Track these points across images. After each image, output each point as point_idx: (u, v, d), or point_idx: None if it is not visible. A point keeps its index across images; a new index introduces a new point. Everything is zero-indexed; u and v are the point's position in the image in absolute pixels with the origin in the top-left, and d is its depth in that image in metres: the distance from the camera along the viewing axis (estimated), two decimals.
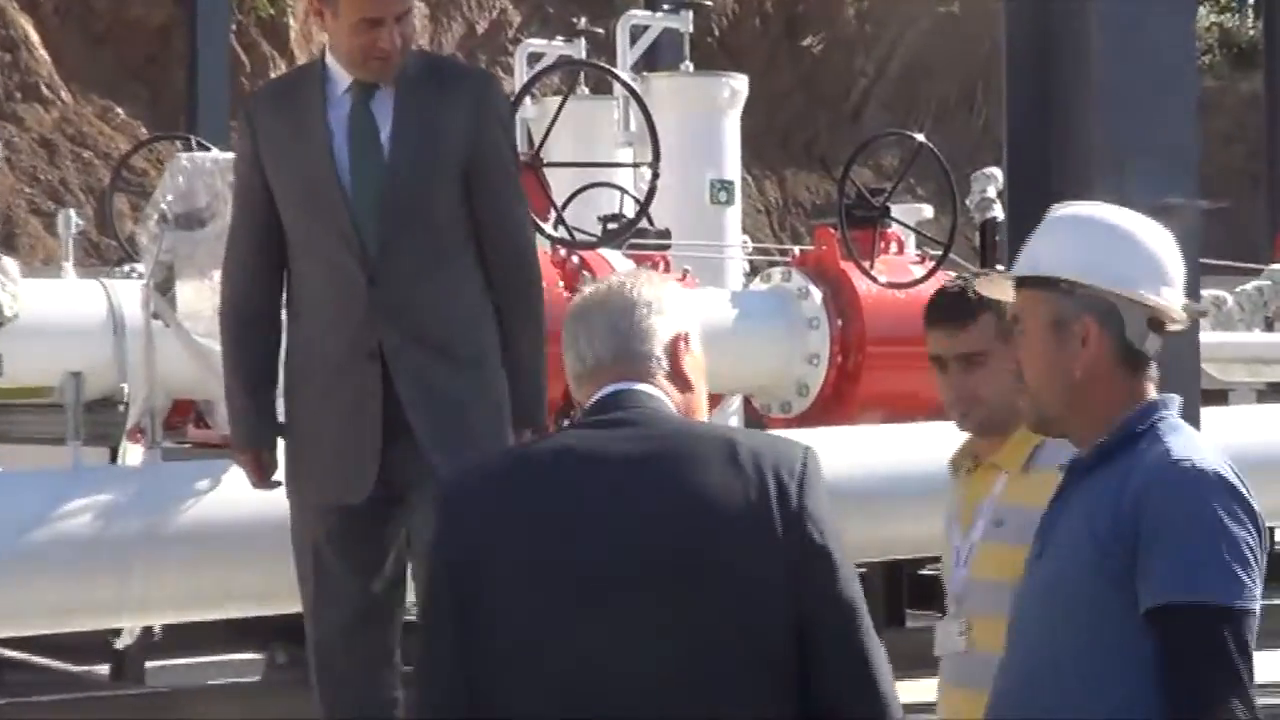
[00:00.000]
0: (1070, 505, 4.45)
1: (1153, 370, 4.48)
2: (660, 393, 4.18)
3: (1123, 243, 4.59)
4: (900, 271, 11.91)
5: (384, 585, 6.25)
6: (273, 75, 26.73)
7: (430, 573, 4.27)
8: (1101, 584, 4.24)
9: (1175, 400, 4.49)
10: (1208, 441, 4.46)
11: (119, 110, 26.04)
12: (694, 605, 3.90)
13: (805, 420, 10.85)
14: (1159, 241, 4.56)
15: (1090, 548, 4.27)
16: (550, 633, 3.93)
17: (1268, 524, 4.41)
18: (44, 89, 26.02)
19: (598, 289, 4.39)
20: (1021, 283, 4.55)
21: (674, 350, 4.20)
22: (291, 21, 27.80)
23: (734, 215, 11.67)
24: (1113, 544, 4.20)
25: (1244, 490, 4.25)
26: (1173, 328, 4.51)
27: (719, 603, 3.92)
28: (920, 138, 13.14)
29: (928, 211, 13.92)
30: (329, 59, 6.55)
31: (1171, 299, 4.47)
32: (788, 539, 3.97)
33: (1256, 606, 4.15)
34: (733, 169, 11.84)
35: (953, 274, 11.86)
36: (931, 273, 11.70)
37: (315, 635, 6.74)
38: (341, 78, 6.50)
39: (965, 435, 5.67)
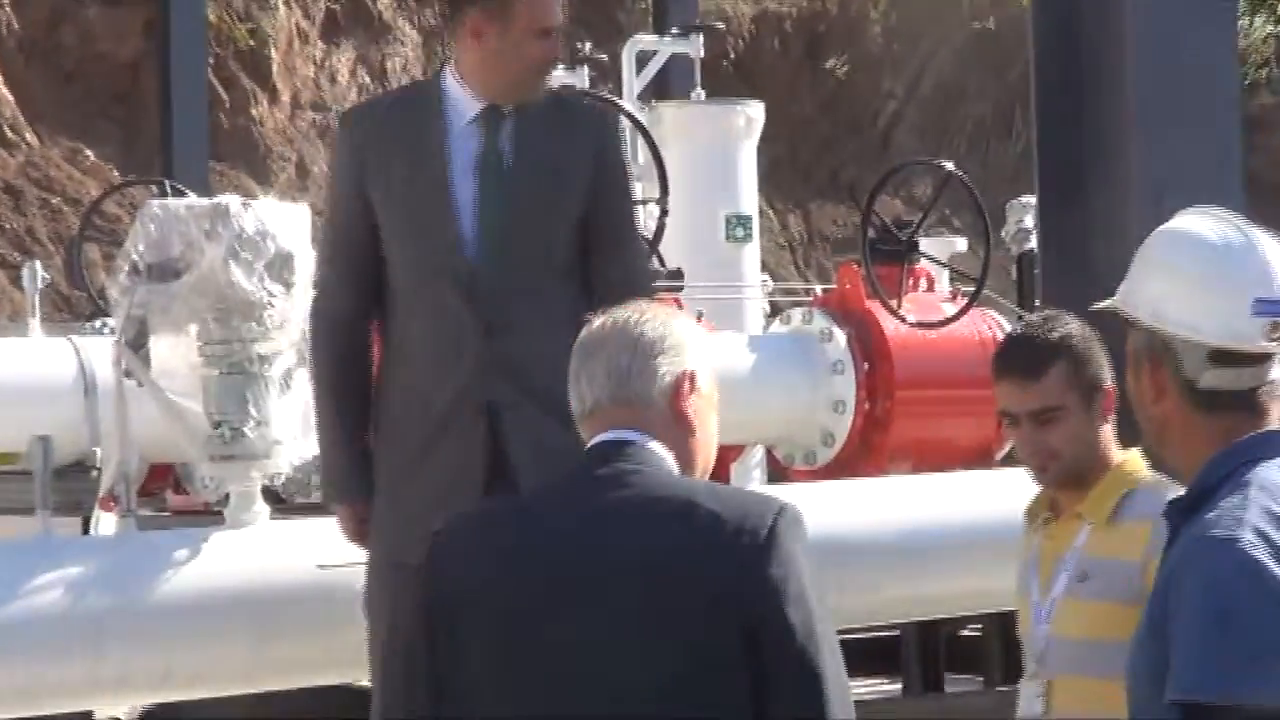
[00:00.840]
0: (1162, 570, 4.25)
1: (1246, 406, 4.13)
2: (655, 441, 4.17)
3: (1155, 269, 4.41)
4: (931, 310, 11.81)
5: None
6: (253, 112, 26.78)
7: (414, 606, 4.34)
8: (1147, 676, 4.06)
9: (1270, 440, 4.14)
10: (1268, 501, 4.01)
11: (89, 152, 25.73)
12: (648, 667, 3.97)
13: (831, 472, 10.76)
14: (1250, 255, 4.25)
15: (1146, 630, 4.09)
16: (512, 680, 4.04)
17: None
18: (7, 131, 25.98)
19: (603, 325, 4.32)
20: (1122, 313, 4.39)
21: (676, 391, 4.18)
22: (273, 53, 27.66)
23: (752, 252, 11.61)
24: (1162, 625, 4.00)
25: (1270, 567, 3.88)
26: (1246, 351, 4.15)
27: (671, 669, 3.96)
28: (950, 166, 12.99)
29: (961, 245, 13.67)
30: (450, 81, 6.40)
31: (1255, 331, 4.15)
32: (742, 610, 3.98)
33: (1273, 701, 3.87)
34: (750, 203, 11.78)
35: (991, 312, 12.13)
36: (964, 310, 11.64)
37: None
38: (465, 104, 6.36)
39: (1038, 487, 5.60)
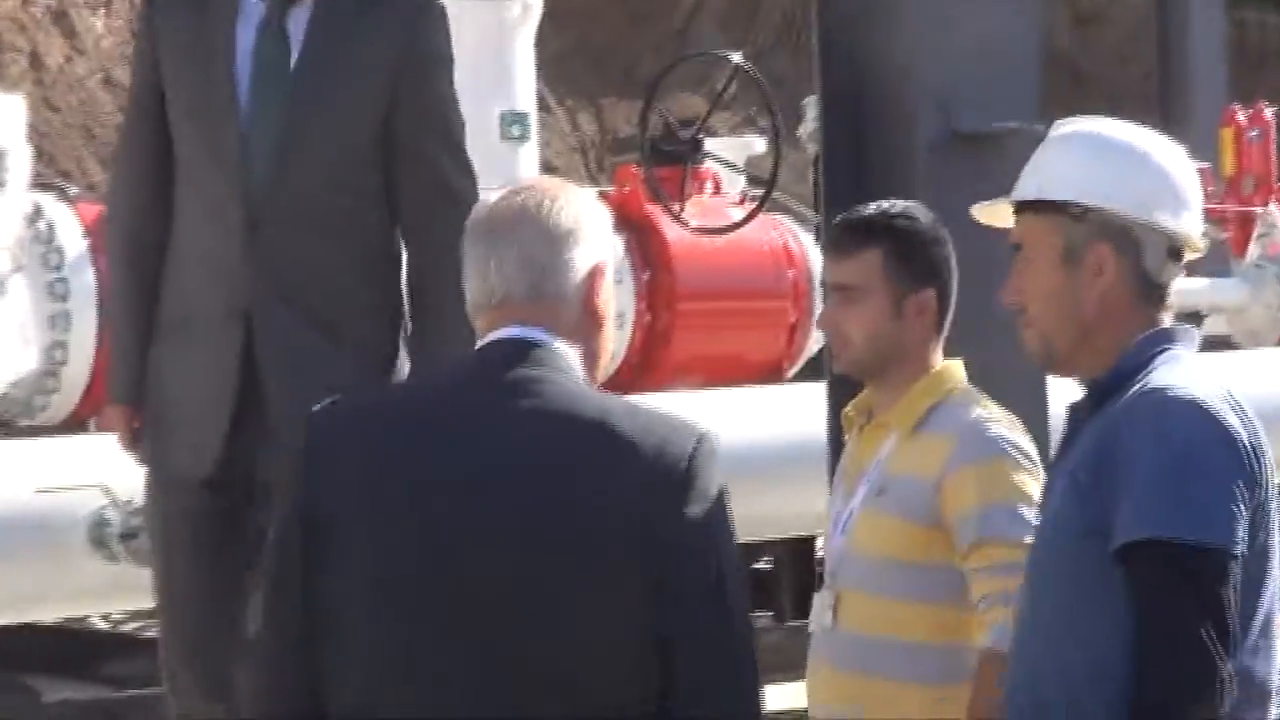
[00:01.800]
0: (1067, 455, 4.53)
1: (1169, 303, 4.50)
2: (561, 342, 4.01)
3: (1139, 163, 4.61)
4: (717, 215, 11.58)
5: (230, 604, 5.85)
6: None
7: (289, 501, 4.14)
8: (1082, 537, 4.28)
9: (1188, 332, 4.53)
10: (1207, 375, 4.45)
11: None
12: (537, 593, 3.92)
13: (610, 389, 10.09)
14: (1177, 162, 4.59)
15: (1073, 499, 4.31)
16: (398, 585, 3.96)
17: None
18: None
19: (509, 204, 4.14)
20: (1023, 207, 4.55)
21: (590, 286, 4.05)
22: None
23: (530, 152, 11.20)
24: (1091, 492, 4.23)
25: (1229, 420, 4.24)
26: (1190, 256, 4.58)
27: (587, 589, 3.88)
28: (737, 58, 12.51)
29: (759, 145, 13.45)
30: None
31: (1191, 226, 4.52)
32: (666, 530, 3.88)
33: (1236, 546, 4.13)
34: (527, 99, 11.44)
35: (782, 218, 12.24)
36: (752, 215, 11.35)
37: (170, 637, 6.52)
38: None
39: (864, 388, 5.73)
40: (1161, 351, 4.44)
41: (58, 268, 9.56)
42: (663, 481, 3.94)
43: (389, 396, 5.13)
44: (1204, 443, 4.26)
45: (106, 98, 24.21)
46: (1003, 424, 5.56)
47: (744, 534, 9.60)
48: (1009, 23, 7.42)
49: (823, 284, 6.21)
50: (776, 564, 11.95)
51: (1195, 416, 4.26)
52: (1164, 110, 21.73)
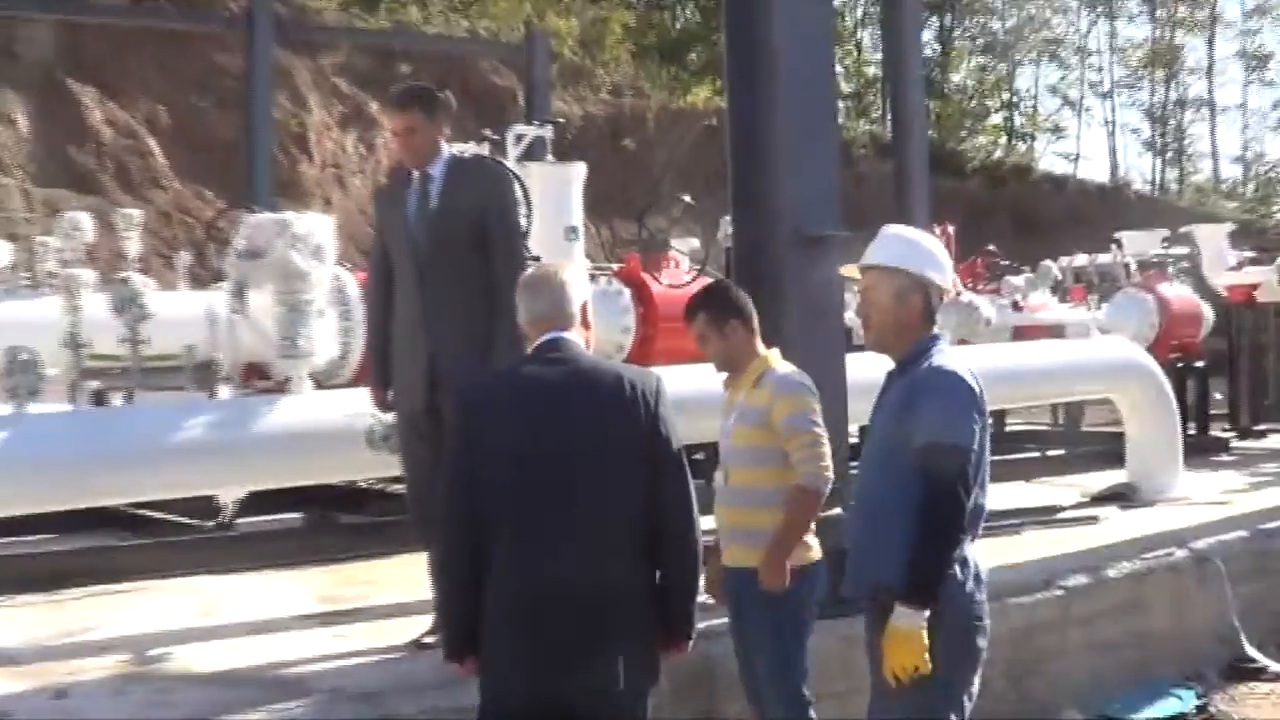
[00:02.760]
0: (889, 393, 5.43)
1: (936, 318, 5.49)
2: (578, 336, 5.04)
3: (930, 249, 5.52)
4: (678, 278, 12.75)
5: (435, 471, 6.01)
6: (300, 169, 28.94)
7: (456, 427, 5.06)
8: (898, 440, 5.25)
9: (946, 335, 5.50)
10: (957, 357, 5.40)
11: (207, 192, 27.75)
12: (602, 461, 4.85)
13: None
14: (941, 250, 5.55)
15: (895, 418, 5.28)
16: (517, 462, 4.84)
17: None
18: (162, 180, 27.82)
19: (542, 271, 5.24)
20: (870, 268, 5.47)
21: (583, 309, 5.08)
22: (310, 135, 29.58)
23: (579, 247, 12.03)
24: (904, 417, 5.23)
25: (972, 381, 5.25)
26: (947, 298, 5.58)
27: (611, 461, 4.87)
28: (687, 199, 13.91)
29: (695, 242, 14.43)
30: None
31: (947, 283, 5.52)
32: (647, 428, 4.91)
33: (973, 447, 5.14)
34: (578, 219, 12.13)
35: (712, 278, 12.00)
36: (696, 278, 12.49)
37: (410, 490, 7.47)
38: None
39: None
40: (935, 344, 5.39)
41: (345, 304, 10.59)
42: (646, 402, 4.87)
43: (502, 371, 5.73)
44: (958, 391, 5.24)
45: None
46: (796, 374, 6.67)
47: (689, 439, 10.73)
48: (827, 177, 8.42)
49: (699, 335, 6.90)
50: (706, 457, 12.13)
51: (956, 378, 5.26)
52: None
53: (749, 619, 6.48)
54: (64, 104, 28.75)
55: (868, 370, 6.77)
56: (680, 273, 13.13)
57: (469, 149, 12.54)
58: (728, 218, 12.47)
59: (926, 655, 5.07)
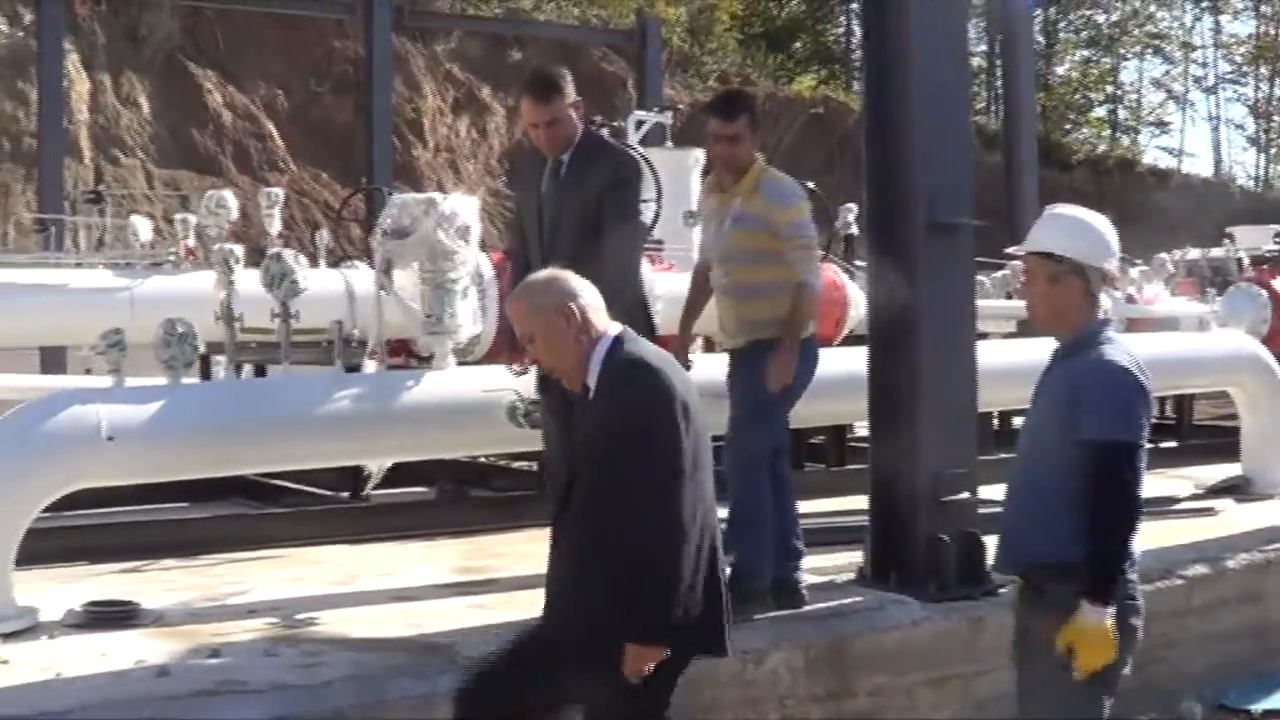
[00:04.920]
0: (1053, 374, 5.44)
1: (1101, 303, 5.46)
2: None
3: (1092, 231, 5.44)
4: None
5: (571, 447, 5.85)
6: (414, 154, 29.47)
7: (667, 398, 5.02)
8: (1064, 423, 5.23)
9: (1113, 322, 5.59)
10: (1125, 348, 5.33)
11: (325, 175, 28.37)
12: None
13: None
14: (1108, 232, 5.45)
15: (1061, 405, 5.26)
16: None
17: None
18: (280, 163, 28.13)
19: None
20: (1031, 252, 5.46)
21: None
22: (425, 121, 30.00)
23: (697, 231, 11.34)
24: (1071, 402, 5.22)
25: (1142, 377, 5.22)
26: (1111, 281, 5.49)
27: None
28: (810, 185, 12.61)
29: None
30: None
31: (1113, 267, 5.46)
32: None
33: (1144, 442, 5.16)
34: (694, 203, 12.03)
35: (832, 264, 13.00)
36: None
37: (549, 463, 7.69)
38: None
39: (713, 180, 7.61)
40: (1101, 332, 5.34)
41: (482, 284, 10.40)
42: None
43: (650, 345, 5.60)
44: (1129, 387, 5.21)
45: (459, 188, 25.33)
46: (787, 182, 7.52)
47: (806, 422, 11.03)
48: (961, 165, 8.42)
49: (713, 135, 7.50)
50: (825, 439, 12.90)
51: (1127, 372, 5.21)
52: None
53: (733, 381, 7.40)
54: (185, 87, 29.25)
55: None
56: None
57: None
58: (848, 205, 13.69)
59: (1106, 643, 5.10)
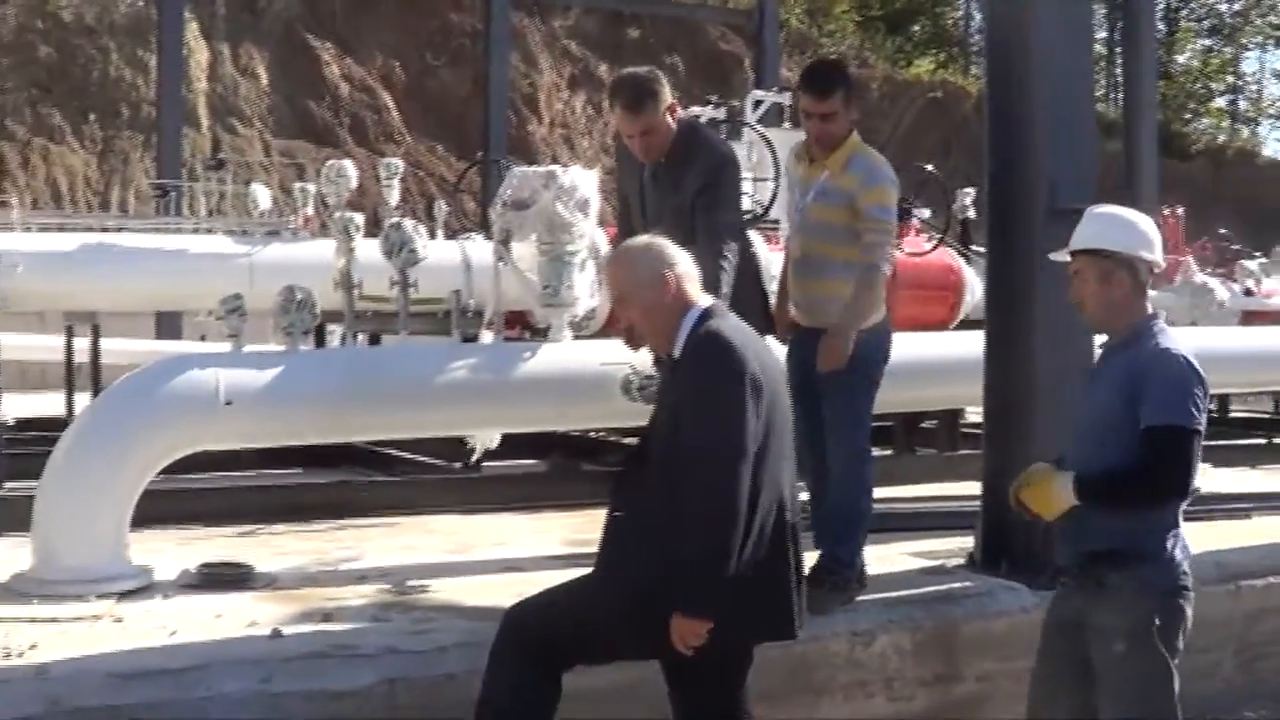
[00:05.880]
0: (1109, 366, 5.50)
1: (1148, 294, 5.53)
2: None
3: (1135, 226, 5.54)
4: (919, 247, 13.02)
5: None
6: (529, 129, 29.58)
7: (737, 375, 5.12)
8: (1123, 412, 5.29)
9: (1163, 314, 5.60)
10: (1182, 339, 5.46)
11: (439, 147, 28.47)
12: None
13: None
14: (1150, 225, 5.56)
15: (1118, 395, 5.31)
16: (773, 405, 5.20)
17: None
18: (396, 135, 28.35)
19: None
20: (1078, 251, 5.54)
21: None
22: (540, 96, 29.98)
23: None
24: (1130, 392, 5.28)
25: (1198, 367, 5.30)
26: (1157, 272, 5.57)
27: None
28: (930, 168, 14.07)
29: (926, 213, 14.29)
30: None
31: (1158, 257, 5.52)
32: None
33: (1202, 428, 5.22)
34: None
35: (948, 248, 13.05)
36: (935, 247, 13.02)
37: None
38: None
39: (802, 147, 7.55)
40: (1155, 324, 5.44)
41: (598, 257, 9.51)
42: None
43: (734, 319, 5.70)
44: (1188, 374, 5.27)
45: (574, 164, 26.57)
46: (880, 162, 7.34)
47: (919, 406, 11.63)
48: (1085, 151, 8.33)
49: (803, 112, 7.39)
50: (937, 424, 13.02)
51: (1185, 360, 5.28)
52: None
53: (823, 375, 7.11)
54: (303, 59, 29.50)
55: None
56: (920, 241, 13.27)
57: (705, 113, 12.76)
58: (967, 190, 13.64)
59: (1053, 509, 5.38)
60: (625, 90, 7.25)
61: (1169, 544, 5.34)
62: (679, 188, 7.17)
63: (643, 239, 5.56)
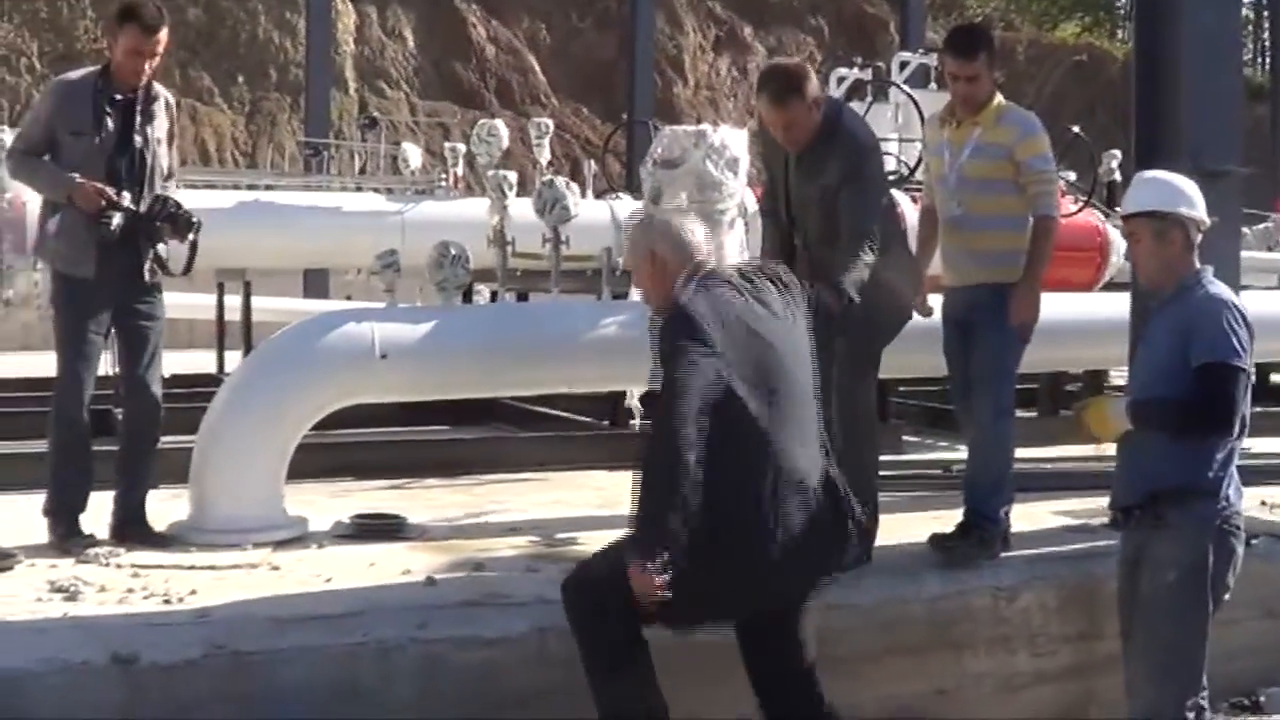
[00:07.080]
0: (1163, 315, 5.80)
1: (1196, 248, 5.83)
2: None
3: (1181, 187, 5.88)
4: (1063, 208, 10.76)
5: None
6: (674, 91, 29.72)
7: (685, 339, 5.15)
8: (1177, 355, 5.62)
9: (1210, 268, 5.83)
10: (1227, 289, 5.78)
11: (584, 109, 28.70)
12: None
13: None
14: (1193, 186, 5.89)
15: (1173, 339, 5.65)
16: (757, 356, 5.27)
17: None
18: (542, 98, 28.57)
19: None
20: (1131, 214, 5.90)
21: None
22: (685, 58, 29.99)
23: None
24: (1183, 335, 5.61)
25: (1244, 311, 5.64)
26: (1204, 228, 5.85)
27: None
28: (1076, 130, 13.77)
29: (1073, 175, 14.12)
30: None
31: (1202, 214, 5.85)
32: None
33: (1250, 370, 5.56)
34: None
35: (1095, 210, 12.89)
36: (1081, 209, 12.80)
37: None
38: None
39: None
40: (1203, 275, 5.76)
41: (747, 216, 9.26)
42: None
43: None
44: (1237, 315, 5.60)
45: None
46: (1031, 115, 7.48)
47: (1064, 366, 11.26)
48: (1231, 113, 8.35)
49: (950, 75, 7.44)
50: (1081, 385, 12.40)
51: (1233, 304, 5.64)
52: None
53: (978, 328, 7.26)
54: (450, 21, 29.66)
55: None
56: (1066, 203, 12.48)
57: (851, 75, 12.80)
58: (1112, 152, 13.55)
59: (1109, 430, 5.77)
60: (772, 82, 7.20)
61: (1224, 484, 5.62)
62: (821, 172, 7.12)
63: (646, 213, 5.85)
